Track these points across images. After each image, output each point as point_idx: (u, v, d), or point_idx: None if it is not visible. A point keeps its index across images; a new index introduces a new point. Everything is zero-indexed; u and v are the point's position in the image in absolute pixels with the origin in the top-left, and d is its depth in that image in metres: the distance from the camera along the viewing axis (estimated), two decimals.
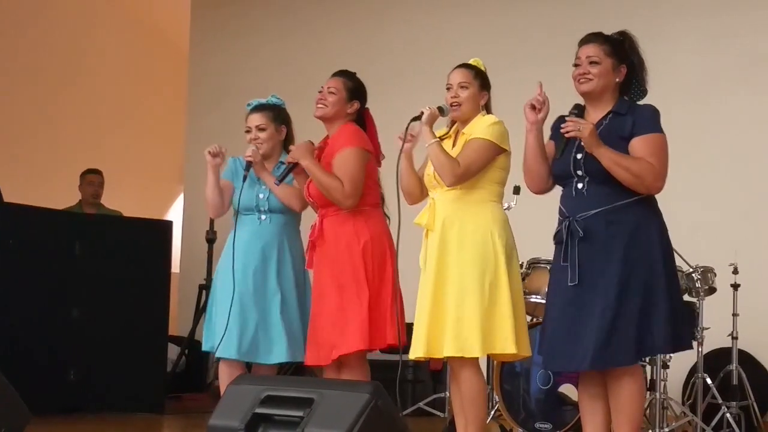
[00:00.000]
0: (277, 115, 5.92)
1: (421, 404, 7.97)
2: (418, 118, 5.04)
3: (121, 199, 10.08)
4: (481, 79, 5.15)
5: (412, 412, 7.93)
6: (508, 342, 4.88)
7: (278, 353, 5.68)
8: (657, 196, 4.73)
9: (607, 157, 4.59)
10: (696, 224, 7.77)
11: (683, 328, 4.80)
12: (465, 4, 9.53)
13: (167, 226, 8.66)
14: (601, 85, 4.75)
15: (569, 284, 4.66)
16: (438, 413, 7.87)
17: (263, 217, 5.79)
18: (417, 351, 5.01)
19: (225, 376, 5.65)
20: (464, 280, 4.92)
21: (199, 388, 9.29)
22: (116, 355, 7.87)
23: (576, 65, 4.81)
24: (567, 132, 4.65)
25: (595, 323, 4.58)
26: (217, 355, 5.68)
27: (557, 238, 4.80)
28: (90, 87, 12.11)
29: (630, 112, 4.70)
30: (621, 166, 4.58)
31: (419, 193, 5.23)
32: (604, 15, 8.48)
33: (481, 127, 5.02)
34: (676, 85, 7.84)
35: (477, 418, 5.00)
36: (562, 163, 4.77)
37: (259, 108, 5.92)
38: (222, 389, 5.48)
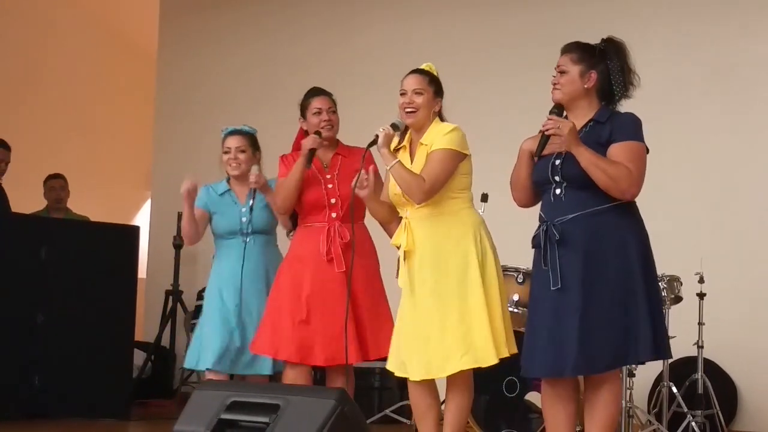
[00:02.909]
0: (254, 141, 6.18)
1: (387, 411, 7.97)
2: (374, 142, 5.02)
3: (88, 204, 10.03)
4: (435, 85, 5.11)
5: (378, 420, 7.93)
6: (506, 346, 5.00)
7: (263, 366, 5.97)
8: None
9: (585, 156, 4.59)
10: (661, 233, 7.73)
11: (665, 334, 4.79)
12: (435, 11, 9.54)
13: (134, 231, 8.61)
14: (568, 93, 4.75)
15: (551, 288, 4.65)
16: (404, 420, 7.86)
17: (247, 239, 6.07)
18: (419, 373, 5.01)
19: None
20: (464, 293, 4.93)
21: (165, 394, 9.25)
22: (82, 360, 7.82)
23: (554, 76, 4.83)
24: (546, 130, 4.67)
25: (575, 328, 4.57)
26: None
27: (535, 242, 4.80)
28: (57, 92, 12.04)
29: (609, 120, 4.70)
30: (598, 167, 4.57)
31: (392, 217, 5.22)
32: (570, 25, 8.49)
33: (440, 137, 4.97)
34: (640, 95, 7.87)
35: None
36: (541, 169, 4.77)
37: (236, 132, 6.16)
38: None
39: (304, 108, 5.77)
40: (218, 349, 5.94)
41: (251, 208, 6.04)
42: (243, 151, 6.10)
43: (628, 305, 4.58)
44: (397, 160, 4.96)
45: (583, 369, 4.63)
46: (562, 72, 4.77)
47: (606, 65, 4.78)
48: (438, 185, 4.92)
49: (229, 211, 6.14)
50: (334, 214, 5.63)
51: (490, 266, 4.97)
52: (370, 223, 5.66)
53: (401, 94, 5.10)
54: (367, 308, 5.58)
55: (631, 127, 4.68)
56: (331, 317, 5.53)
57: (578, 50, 4.79)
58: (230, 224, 6.12)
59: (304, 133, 5.77)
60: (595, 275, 4.60)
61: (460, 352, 4.91)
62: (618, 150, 4.62)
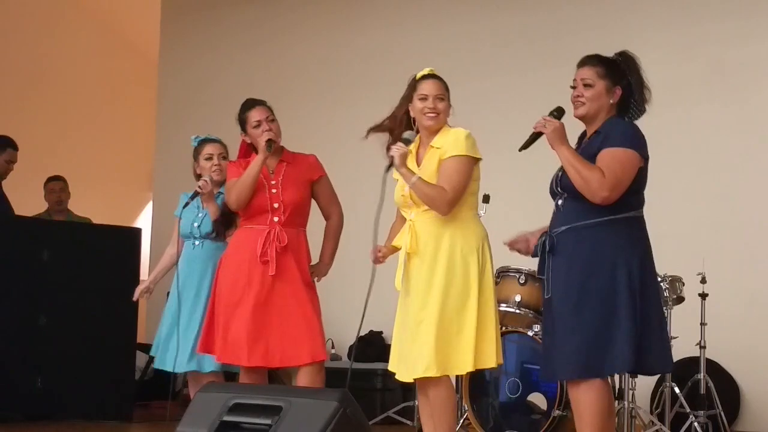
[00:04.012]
0: (227, 151, 6.30)
1: (390, 413, 7.96)
2: (391, 165, 4.95)
3: (90, 205, 10.02)
4: (448, 91, 5.08)
5: (380, 421, 7.93)
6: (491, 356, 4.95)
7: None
8: None
9: (564, 156, 4.63)
10: (663, 234, 7.73)
11: (649, 351, 4.65)
12: (435, 12, 9.54)
13: (136, 233, 8.63)
14: (595, 108, 4.70)
15: (545, 297, 4.72)
16: (407, 422, 7.86)
17: (196, 242, 6.24)
18: (411, 374, 4.99)
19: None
20: (460, 302, 4.89)
21: (167, 396, 9.24)
22: (84, 362, 7.83)
23: (573, 87, 4.77)
24: (535, 127, 4.71)
25: (555, 336, 4.65)
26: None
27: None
28: (59, 94, 12.04)
29: (606, 130, 4.67)
30: (574, 167, 4.59)
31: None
32: (571, 26, 8.50)
33: (455, 143, 4.93)
34: None
35: (446, 428, 4.99)
36: (551, 181, 4.82)
37: (212, 140, 6.30)
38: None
39: (243, 122, 5.80)
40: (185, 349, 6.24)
41: (204, 215, 6.20)
42: (225, 158, 6.22)
43: (609, 318, 4.55)
44: (418, 176, 4.90)
45: (551, 376, 4.69)
46: (587, 85, 4.72)
47: (628, 80, 4.73)
48: (460, 193, 4.91)
49: (189, 215, 6.26)
50: (276, 219, 5.69)
51: (487, 280, 4.95)
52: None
53: (421, 99, 5.02)
54: (292, 315, 5.61)
55: (620, 135, 4.63)
56: (267, 318, 5.61)
57: (603, 64, 4.72)
58: (185, 227, 6.26)
59: (246, 146, 5.83)
60: (579, 288, 4.60)
61: (448, 357, 4.88)
62: (602, 156, 4.60)
